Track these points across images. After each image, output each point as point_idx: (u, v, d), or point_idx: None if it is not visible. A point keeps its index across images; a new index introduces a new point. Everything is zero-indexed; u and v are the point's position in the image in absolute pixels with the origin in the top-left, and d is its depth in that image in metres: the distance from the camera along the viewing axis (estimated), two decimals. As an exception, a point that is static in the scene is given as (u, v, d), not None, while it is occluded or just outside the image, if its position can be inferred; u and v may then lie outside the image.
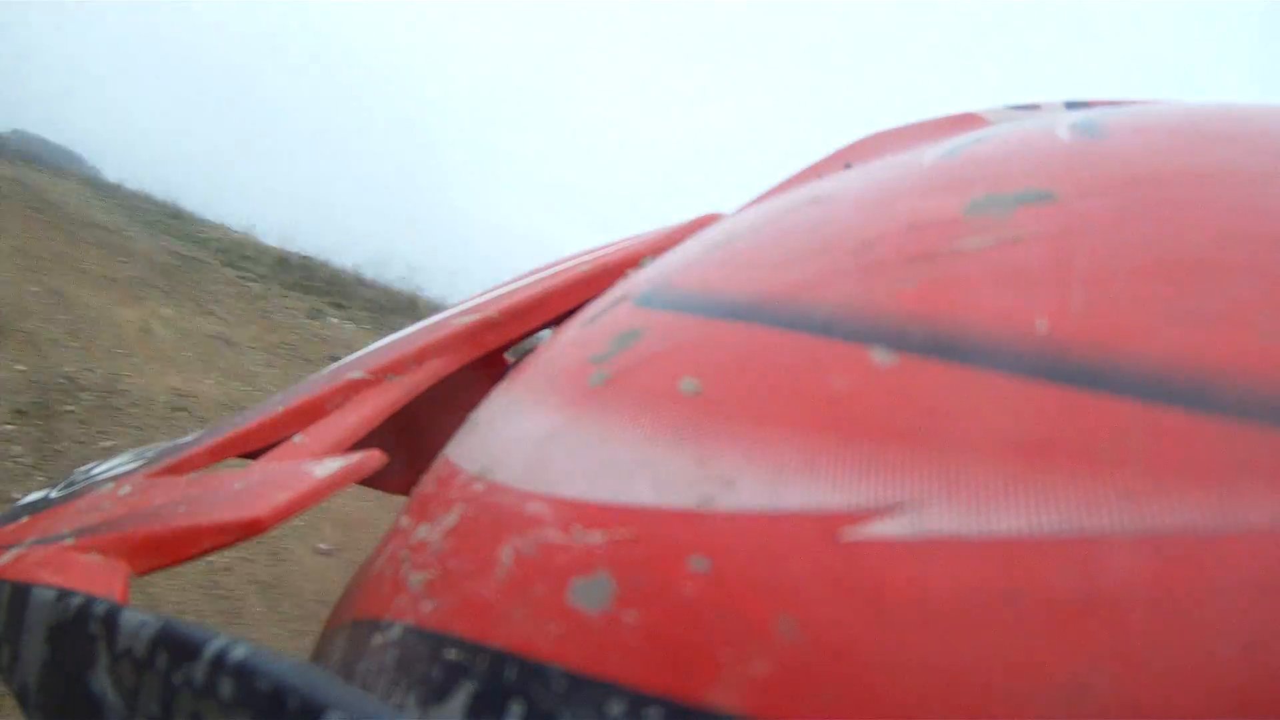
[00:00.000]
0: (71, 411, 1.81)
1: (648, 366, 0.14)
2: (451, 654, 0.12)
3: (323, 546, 1.58)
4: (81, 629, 0.14)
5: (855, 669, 0.10)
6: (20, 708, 0.16)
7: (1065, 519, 0.10)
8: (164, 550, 0.16)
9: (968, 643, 0.09)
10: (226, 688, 0.11)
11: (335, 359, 0.26)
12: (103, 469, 0.25)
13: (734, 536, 0.11)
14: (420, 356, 0.23)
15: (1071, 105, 0.21)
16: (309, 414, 0.22)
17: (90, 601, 0.14)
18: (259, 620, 1.33)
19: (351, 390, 0.22)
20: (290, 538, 1.54)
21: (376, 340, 0.26)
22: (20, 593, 0.16)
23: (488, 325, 0.23)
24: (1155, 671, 0.09)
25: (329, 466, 0.17)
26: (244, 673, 0.11)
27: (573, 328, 0.19)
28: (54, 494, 0.24)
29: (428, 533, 0.15)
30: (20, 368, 1.94)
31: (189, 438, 0.24)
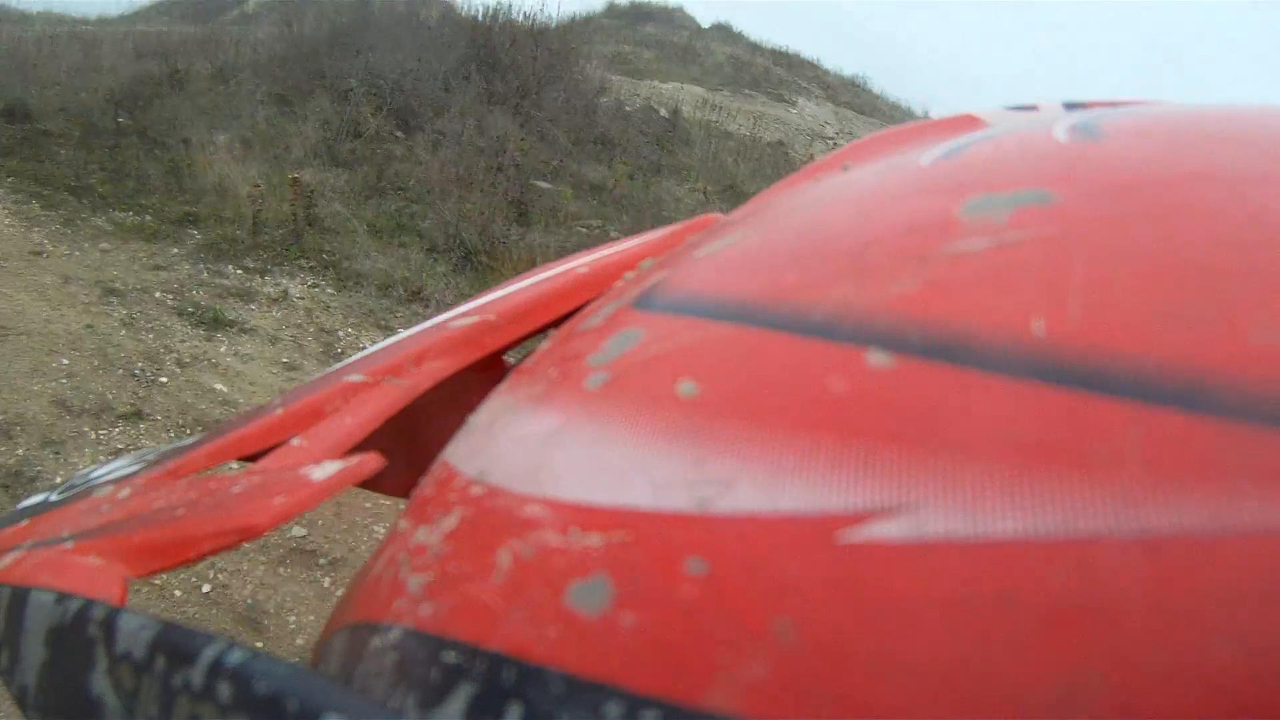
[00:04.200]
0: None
1: (646, 369, 0.14)
2: (450, 656, 0.12)
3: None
4: (80, 632, 0.14)
5: (852, 671, 0.10)
6: (19, 710, 0.16)
7: (1062, 521, 0.10)
8: (162, 554, 0.17)
9: (965, 645, 0.09)
10: (225, 691, 0.11)
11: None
12: (102, 472, 0.25)
13: (731, 539, 0.11)
14: (419, 359, 0.23)
15: (1070, 107, 0.21)
16: (308, 417, 0.22)
17: (89, 605, 0.14)
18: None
19: (350, 393, 0.22)
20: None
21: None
22: (19, 596, 0.16)
23: (486, 328, 0.23)
24: (1152, 674, 0.09)
25: (328, 469, 0.17)
26: (242, 676, 0.11)
27: (571, 330, 0.19)
28: (54, 497, 0.24)
29: (426, 535, 0.15)
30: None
31: (188, 441, 0.24)
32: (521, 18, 5.36)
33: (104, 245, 2.82)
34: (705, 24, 10.01)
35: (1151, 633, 0.09)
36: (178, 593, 1.51)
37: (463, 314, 0.24)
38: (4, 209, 2.90)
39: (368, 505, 1.81)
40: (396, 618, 0.14)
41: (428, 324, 0.25)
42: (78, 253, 2.73)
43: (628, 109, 5.30)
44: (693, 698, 0.10)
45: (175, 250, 2.92)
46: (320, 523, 1.74)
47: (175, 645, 0.13)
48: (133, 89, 4.23)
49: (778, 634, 0.10)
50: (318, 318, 2.74)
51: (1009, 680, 0.09)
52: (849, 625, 0.10)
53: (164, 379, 2.16)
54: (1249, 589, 0.09)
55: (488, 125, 4.20)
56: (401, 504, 0.19)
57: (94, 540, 0.18)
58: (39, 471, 1.70)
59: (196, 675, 0.12)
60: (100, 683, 0.13)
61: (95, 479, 0.24)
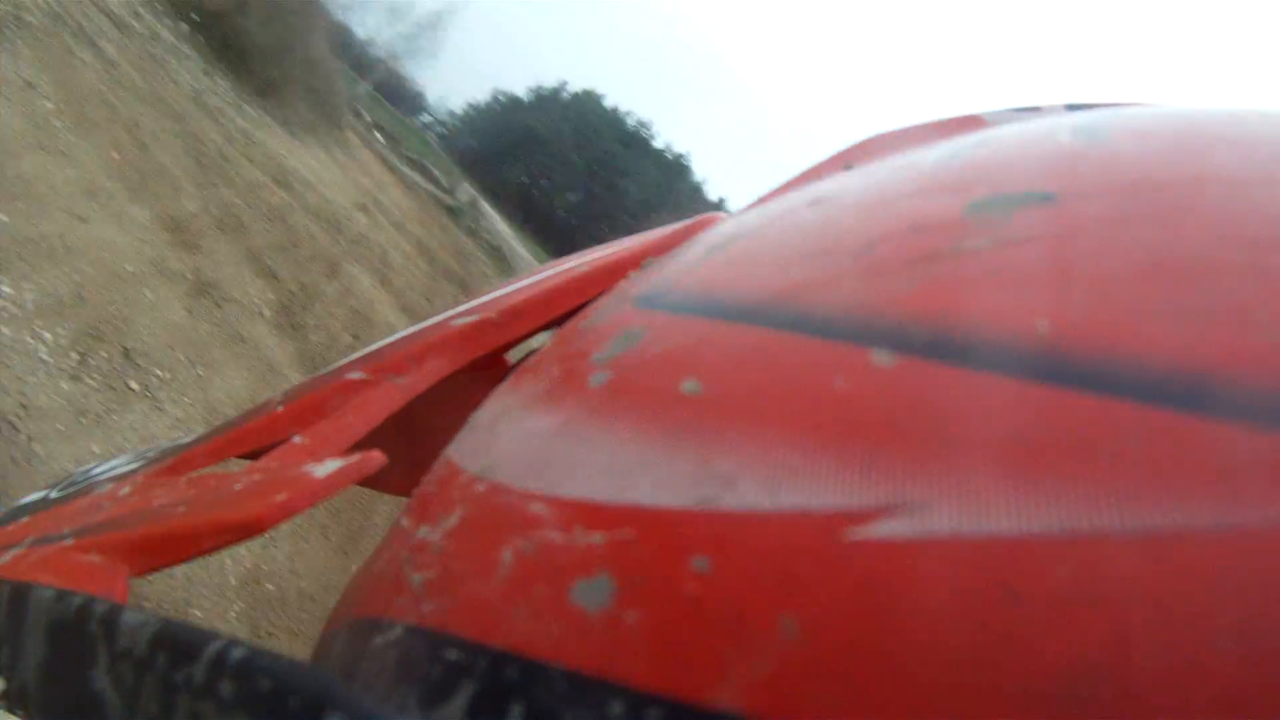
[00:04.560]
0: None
1: (649, 367, 0.14)
2: (452, 654, 0.12)
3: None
4: (81, 629, 0.14)
5: (857, 669, 0.10)
6: (20, 708, 0.16)
7: (1065, 519, 0.10)
8: (163, 551, 0.16)
9: (968, 642, 0.09)
10: (226, 687, 0.11)
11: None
12: (103, 469, 0.25)
13: (735, 536, 0.11)
14: (421, 356, 0.23)
15: (1073, 108, 0.21)
16: (309, 414, 0.22)
17: (90, 601, 0.14)
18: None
19: (351, 390, 0.22)
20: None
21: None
22: (20, 593, 0.16)
23: (488, 325, 0.23)
24: (1154, 671, 0.09)
25: (329, 467, 0.17)
26: (244, 673, 0.11)
27: (574, 328, 0.19)
28: (54, 494, 0.24)
29: (429, 533, 0.15)
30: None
31: (189, 438, 0.24)
32: None
33: None
34: None
35: (1154, 628, 0.09)
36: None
37: (464, 312, 0.24)
38: None
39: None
40: (399, 615, 0.14)
41: (429, 321, 0.25)
42: None
43: None
44: (697, 695, 0.10)
45: None
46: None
47: (177, 642, 0.13)
48: None
49: (782, 631, 0.10)
50: None
51: (1014, 676, 0.09)
52: (854, 622, 0.10)
53: None
54: (1249, 585, 0.09)
55: None
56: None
57: (95, 537, 0.18)
58: None
59: (198, 672, 0.12)
60: (101, 680, 0.13)
61: (96, 476, 0.24)
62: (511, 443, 0.15)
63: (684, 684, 0.10)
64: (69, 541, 0.18)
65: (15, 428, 1.59)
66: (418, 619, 0.14)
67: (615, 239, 0.27)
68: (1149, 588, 0.09)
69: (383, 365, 0.23)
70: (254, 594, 1.78)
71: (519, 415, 0.16)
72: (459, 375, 0.23)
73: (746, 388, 0.13)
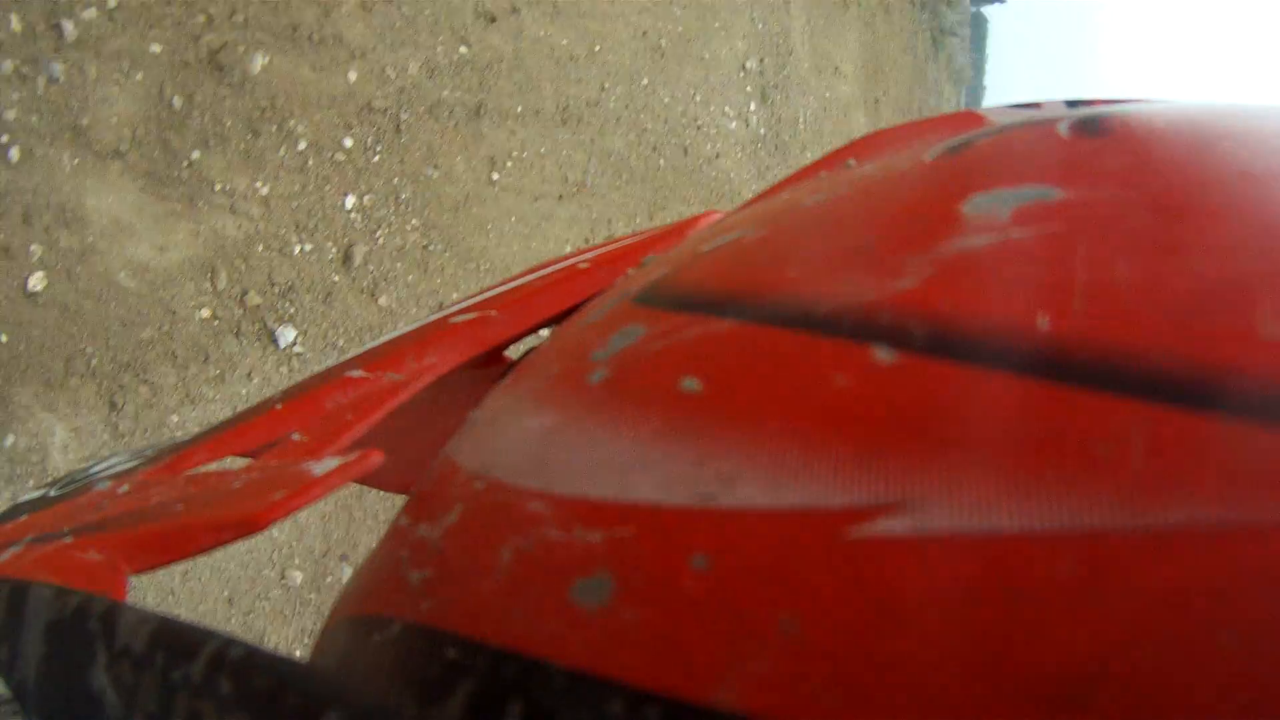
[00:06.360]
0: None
1: (648, 365, 0.14)
2: (451, 652, 0.12)
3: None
4: (80, 627, 0.14)
5: (856, 667, 0.10)
6: (19, 706, 0.16)
7: (1066, 516, 0.10)
8: (162, 548, 0.16)
9: (969, 641, 0.09)
10: (225, 686, 0.11)
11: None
12: (101, 467, 0.25)
13: (734, 535, 0.11)
14: (419, 354, 0.23)
15: (1072, 104, 0.21)
16: (308, 412, 0.22)
17: (89, 600, 0.14)
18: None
19: (350, 388, 0.22)
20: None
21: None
22: (18, 591, 0.16)
23: (488, 323, 0.23)
24: (1156, 670, 0.09)
25: (327, 465, 0.17)
26: (242, 671, 0.11)
27: (573, 325, 0.19)
28: (53, 492, 0.24)
29: (427, 531, 0.15)
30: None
31: (188, 436, 0.24)
32: None
33: None
34: None
35: (1157, 627, 0.09)
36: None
37: (464, 309, 0.24)
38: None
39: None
40: (398, 613, 0.14)
41: (428, 319, 0.25)
42: None
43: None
44: (695, 693, 0.10)
45: None
46: None
47: (175, 640, 0.12)
48: None
49: (781, 630, 0.10)
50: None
51: (1015, 675, 0.09)
52: (854, 620, 0.10)
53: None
54: (1252, 583, 0.09)
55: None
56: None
57: (93, 535, 0.18)
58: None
59: (196, 670, 0.12)
60: (100, 678, 0.13)
61: (95, 474, 0.24)
62: (511, 441, 0.15)
63: (683, 682, 0.10)
64: (68, 539, 0.18)
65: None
66: (416, 617, 0.14)
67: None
68: (1151, 586, 0.09)
69: (381, 362, 0.23)
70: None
71: (518, 413, 0.16)
72: (458, 372, 0.23)
73: (746, 385, 0.13)
